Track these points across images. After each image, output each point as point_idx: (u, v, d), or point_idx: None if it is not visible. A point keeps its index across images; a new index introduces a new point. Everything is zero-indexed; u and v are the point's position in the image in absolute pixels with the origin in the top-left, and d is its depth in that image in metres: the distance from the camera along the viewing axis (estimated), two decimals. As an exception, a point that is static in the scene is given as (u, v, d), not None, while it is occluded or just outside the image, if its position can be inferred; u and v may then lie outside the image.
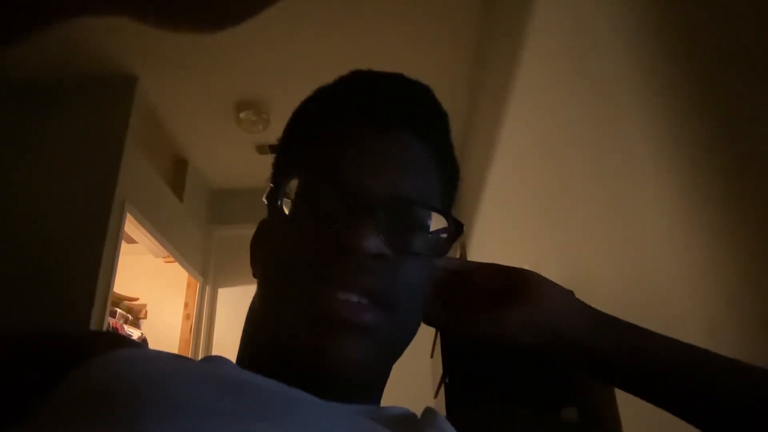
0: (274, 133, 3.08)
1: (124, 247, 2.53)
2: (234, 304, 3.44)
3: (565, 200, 1.37)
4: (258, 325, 0.41)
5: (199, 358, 0.39)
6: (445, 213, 0.40)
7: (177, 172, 3.29)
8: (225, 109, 2.87)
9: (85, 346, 0.35)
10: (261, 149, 3.21)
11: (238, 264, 3.49)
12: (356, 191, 0.36)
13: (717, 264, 0.72)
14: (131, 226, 2.60)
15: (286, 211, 0.38)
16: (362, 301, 0.35)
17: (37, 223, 2.28)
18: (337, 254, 0.35)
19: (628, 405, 0.87)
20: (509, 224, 2.09)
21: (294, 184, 0.39)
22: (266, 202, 0.41)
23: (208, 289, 3.51)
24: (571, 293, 0.44)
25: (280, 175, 0.42)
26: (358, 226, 0.34)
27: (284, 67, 2.59)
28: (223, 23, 0.17)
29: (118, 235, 2.35)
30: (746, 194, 0.66)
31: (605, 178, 1.10)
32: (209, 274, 3.53)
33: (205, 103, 2.84)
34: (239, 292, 3.44)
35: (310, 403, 0.33)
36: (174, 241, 3.02)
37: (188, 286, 3.48)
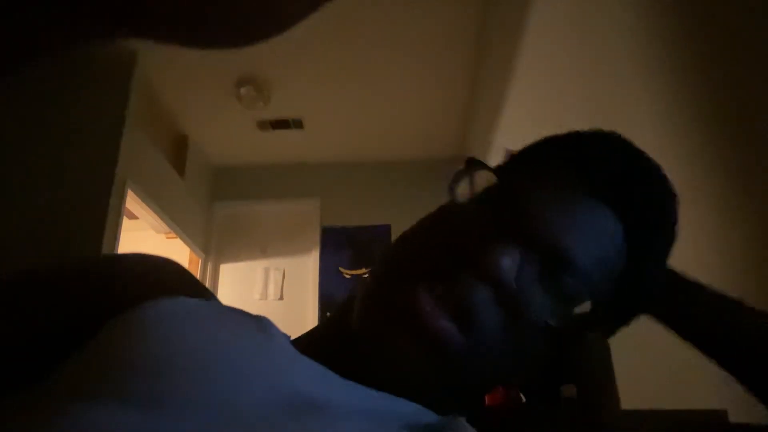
0: (275, 109, 3.05)
1: (126, 223, 2.53)
2: (236, 280, 3.45)
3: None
4: (346, 309, 0.36)
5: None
6: (601, 306, 0.34)
7: (178, 149, 3.27)
8: (225, 85, 2.84)
9: (120, 289, 0.35)
10: (262, 125, 3.19)
11: (239, 240, 3.50)
12: (531, 228, 0.33)
13: (717, 262, 0.72)
14: (132, 203, 2.60)
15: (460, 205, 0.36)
16: (443, 307, 0.31)
17: (39, 200, 2.28)
18: (463, 261, 0.32)
19: (626, 382, 0.88)
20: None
21: (488, 182, 0.37)
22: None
23: (210, 265, 3.52)
24: None
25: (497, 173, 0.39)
26: (508, 250, 0.31)
27: (285, 43, 2.55)
28: (251, 40, 0.17)
29: (119, 212, 2.36)
30: (747, 191, 0.65)
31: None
32: (211, 250, 3.54)
33: (205, 79, 2.81)
34: (241, 268, 3.45)
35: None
36: (175, 217, 3.02)
37: (190, 262, 3.49)
